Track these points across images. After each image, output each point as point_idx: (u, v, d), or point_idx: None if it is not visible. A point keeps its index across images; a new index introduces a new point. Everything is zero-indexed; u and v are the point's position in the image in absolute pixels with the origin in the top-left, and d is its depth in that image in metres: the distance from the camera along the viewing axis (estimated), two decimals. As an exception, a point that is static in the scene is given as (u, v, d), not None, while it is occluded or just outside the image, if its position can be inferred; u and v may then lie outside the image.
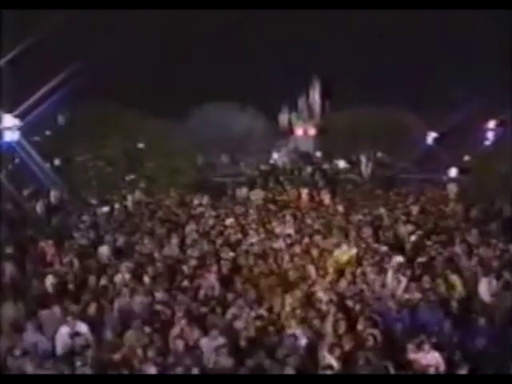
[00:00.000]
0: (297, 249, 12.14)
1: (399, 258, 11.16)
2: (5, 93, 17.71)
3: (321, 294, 9.68)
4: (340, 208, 17.33)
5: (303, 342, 8.04)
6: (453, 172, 25.09)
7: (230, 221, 15.33)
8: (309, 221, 15.16)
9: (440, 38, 34.66)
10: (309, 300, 9.43)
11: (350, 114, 27.90)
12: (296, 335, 8.06)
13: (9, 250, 11.84)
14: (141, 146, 22.12)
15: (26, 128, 19.14)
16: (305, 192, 20.80)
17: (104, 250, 12.39)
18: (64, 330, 8.19)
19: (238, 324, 8.53)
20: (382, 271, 10.54)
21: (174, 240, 12.96)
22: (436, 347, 7.76)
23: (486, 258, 11.21)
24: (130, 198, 19.07)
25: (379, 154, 30.53)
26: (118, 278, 10.36)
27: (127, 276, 10.45)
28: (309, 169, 31.30)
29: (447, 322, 8.57)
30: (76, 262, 11.38)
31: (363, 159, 29.86)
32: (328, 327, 8.36)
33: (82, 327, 8.24)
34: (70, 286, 10.21)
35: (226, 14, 28.04)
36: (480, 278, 10.20)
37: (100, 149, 20.37)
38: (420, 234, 13.31)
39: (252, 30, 35.60)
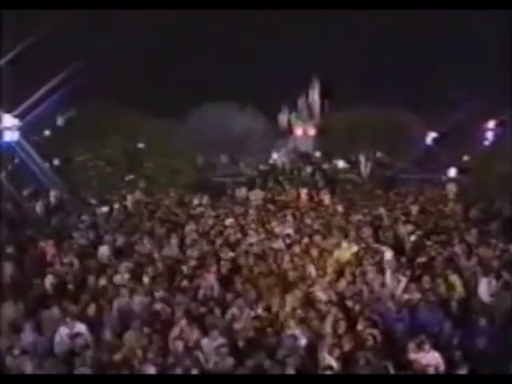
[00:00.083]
0: (296, 249, 12.14)
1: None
2: (5, 93, 17.71)
3: (320, 294, 9.69)
4: (339, 208, 17.33)
5: (303, 342, 8.03)
6: (452, 172, 25.10)
7: (229, 221, 15.32)
8: (308, 221, 15.16)
9: (440, 37, 34.67)
10: (308, 300, 9.42)
11: (350, 114, 27.93)
12: (296, 335, 8.06)
13: (9, 250, 11.84)
14: (141, 146, 22.13)
15: (25, 128, 19.14)
16: (304, 192, 20.81)
17: (104, 250, 12.38)
18: (63, 331, 8.17)
19: (238, 324, 8.52)
20: (381, 271, 10.53)
21: (174, 240, 12.95)
22: (436, 347, 7.76)
23: (485, 258, 11.21)
24: (129, 198, 19.08)
25: (379, 154, 30.56)
26: (117, 279, 10.36)
27: (127, 276, 10.44)
28: (308, 169, 31.35)
29: (447, 322, 8.57)
30: (76, 262, 11.37)
31: (362, 159, 29.88)
32: (328, 327, 8.36)
33: (81, 328, 8.21)
34: (70, 286, 10.20)
35: (225, 14, 28.04)
36: (480, 278, 10.20)
37: (100, 149, 20.37)
38: (420, 234, 13.31)
39: (252, 30, 35.61)
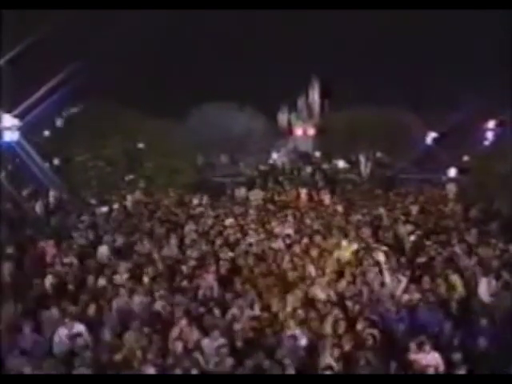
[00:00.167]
0: (296, 249, 12.14)
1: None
2: (5, 93, 17.69)
3: (320, 294, 9.68)
4: (339, 208, 17.34)
5: (303, 342, 8.03)
6: (452, 172, 25.11)
7: (229, 221, 15.32)
8: (308, 221, 15.16)
9: (440, 38, 34.67)
10: (308, 300, 9.42)
11: (350, 114, 27.94)
12: (296, 336, 8.05)
13: (9, 250, 11.83)
14: (140, 146, 22.12)
15: (25, 128, 19.12)
16: (304, 192, 20.82)
17: (103, 250, 12.38)
18: (62, 332, 8.16)
19: (238, 325, 8.50)
20: (381, 271, 10.51)
21: (173, 240, 12.95)
22: (436, 348, 7.76)
23: (485, 257, 11.21)
24: (129, 198, 19.08)
25: (378, 154, 30.57)
26: (117, 279, 10.35)
27: (126, 276, 10.42)
28: (308, 169, 31.38)
29: (447, 323, 8.57)
30: (75, 262, 11.36)
31: (362, 159, 29.89)
32: (328, 328, 8.35)
33: (80, 328, 8.19)
34: (69, 287, 10.18)
35: (225, 14, 28.02)
36: (479, 278, 10.19)
37: (100, 149, 20.36)
38: (419, 234, 13.32)
39: (252, 30, 35.60)
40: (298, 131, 46.03)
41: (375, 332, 8.11)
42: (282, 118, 48.26)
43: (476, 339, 8.02)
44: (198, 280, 10.28)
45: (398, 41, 34.94)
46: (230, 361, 7.35)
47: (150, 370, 7.15)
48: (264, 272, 10.73)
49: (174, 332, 8.17)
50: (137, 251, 12.25)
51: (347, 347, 7.75)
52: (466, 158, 26.31)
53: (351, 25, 35.24)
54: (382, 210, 16.34)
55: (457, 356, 7.49)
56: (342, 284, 10.12)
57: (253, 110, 34.16)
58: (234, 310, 8.94)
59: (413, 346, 7.76)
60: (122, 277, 10.39)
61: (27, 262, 11.56)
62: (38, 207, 17.51)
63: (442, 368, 7.48)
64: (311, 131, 43.79)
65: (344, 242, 12.27)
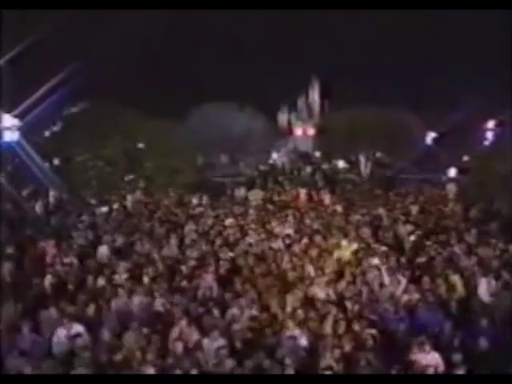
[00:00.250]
0: (296, 249, 12.14)
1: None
2: (5, 93, 17.69)
3: (320, 294, 9.68)
4: (339, 208, 17.34)
5: (303, 343, 8.02)
6: (452, 172, 25.11)
7: (229, 221, 15.33)
8: (308, 221, 15.17)
9: (440, 38, 34.67)
10: (308, 300, 9.41)
11: (350, 114, 27.92)
12: (295, 336, 8.04)
13: (9, 250, 11.83)
14: (140, 146, 22.10)
15: (25, 128, 19.12)
16: (304, 192, 20.83)
17: (103, 250, 12.38)
18: (61, 332, 8.14)
19: (237, 325, 8.50)
20: (380, 271, 10.51)
21: (173, 240, 12.94)
22: (436, 348, 7.76)
23: (485, 258, 11.22)
24: (129, 198, 19.08)
25: (378, 154, 30.56)
26: (116, 279, 10.34)
27: (125, 276, 10.41)
28: (308, 169, 31.37)
29: (447, 323, 8.57)
30: (75, 262, 11.36)
31: (362, 159, 29.88)
32: (327, 328, 8.35)
33: (79, 329, 8.17)
34: (69, 287, 10.17)
35: (225, 14, 28.02)
36: (479, 278, 10.19)
37: (100, 149, 20.33)
38: (419, 234, 13.32)
39: (252, 30, 35.59)
40: (298, 131, 46.03)
41: (375, 332, 8.12)
42: (282, 117, 48.27)
43: (476, 339, 8.01)
44: (198, 280, 10.28)
45: (398, 41, 34.94)
46: (230, 362, 7.34)
47: (150, 371, 7.14)
48: (264, 272, 10.73)
49: (174, 332, 8.16)
50: (136, 251, 12.25)
51: (347, 348, 7.75)
52: (466, 158, 26.29)
53: (351, 25, 35.25)
54: (381, 210, 16.34)
55: (457, 356, 7.49)
56: (342, 284, 10.12)
57: (253, 110, 34.14)
58: (234, 310, 8.93)
59: (413, 346, 7.76)
60: (121, 277, 10.38)
61: (27, 262, 11.56)
62: (38, 207, 17.52)
63: (441, 368, 7.47)
64: (311, 131, 43.78)
65: (344, 242, 12.28)
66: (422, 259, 11.45)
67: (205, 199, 19.36)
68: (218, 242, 12.93)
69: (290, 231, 13.97)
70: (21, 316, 8.70)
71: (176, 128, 25.01)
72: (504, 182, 17.28)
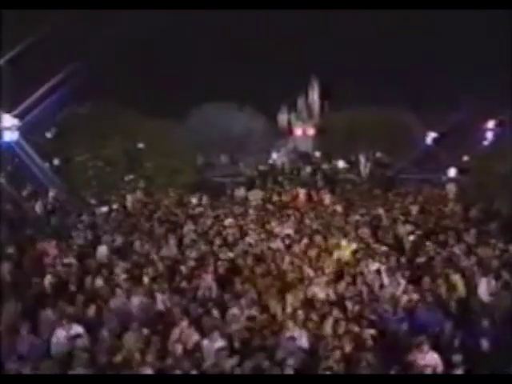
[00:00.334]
0: (296, 249, 12.13)
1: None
2: (5, 93, 17.68)
3: (320, 294, 9.67)
4: (339, 208, 17.33)
5: (302, 343, 8.01)
6: (452, 172, 25.10)
7: (228, 221, 15.32)
8: (308, 221, 15.16)
9: (440, 37, 34.69)
10: (308, 301, 9.41)
11: (349, 114, 27.95)
12: (295, 337, 8.03)
13: (9, 250, 11.83)
14: (140, 146, 22.11)
15: (25, 128, 19.11)
16: (304, 192, 20.82)
17: (103, 250, 12.37)
18: (60, 333, 8.11)
19: (237, 325, 8.49)
20: (380, 272, 10.51)
21: (173, 240, 12.93)
22: (436, 348, 7.75)
23: (485, 257, 11.21)
24: (129, 198, 19.07)
25: (378, 154, 30.57)
26: (116, 279, 10.32)
27: (125, 277, 10.39)
28: (308, 169, 31.38)
29: (447, 323, 8.56)
30: (74, 263, 11.35)
31: (362, 159, 29.89)
32: (327, 328, 8.34)
33: (79, 330, 8.15)
34: (68, 287, 10.16)
35: (225, 14, 28.02)
36: (479, 278, 10.19)
37: (100, 149, 20.33)
38: (419, 234, 13.32)
39: (252, 30, 35.60)
40: (298, 131, 46.09)
41: (375, 333, 8.11)
42: (282, 118, 48.32)
43: (476, 339, 8.01)
44: (197, 280, 10.27)
45: (398, 41, 34.96)
46: (230, 362, 7.33)
47: (150, 372, 7.13)
48: (263, 272, 10.71)
49: (175, 334, 8.14)
50: (136, 251, 12.24)
51: (347, 348, 7.74)
52: (465, 158, 26.29)
53: (351, 25, 35.28)
54: (381, 210, 16.34)
55: (457, 356, 7.48)
56: (342, 284, 10.10)
57: (253, 110, 34.17)
58: (234, 311, 8.93)
59: (413, 346, 7.76)
60: (120, 277, 10.36)
61: (27, 262, 11.55)
62: (38, 207, 17.50)
63: (440, 368, 7.46)
64: (311, 131, 43.83)
65: (344, 242, 12.28)
66: (421, 259, 11.44)
67: (204, 199, 19.35)
68: (218, 242, 12.91)
69: (289, 231, 13.96)
70: (20, 316, 8.68)
71: (176, 128, 25.03)
72: (504, 182, 17.28)
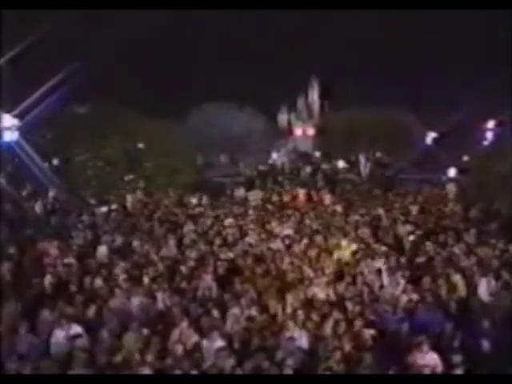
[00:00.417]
0: (296, 249, 12.13)
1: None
2: (5, 93, 17.67)
3: (320, 295, 9.67)
4: (339, 208, 17.33)
5: (303, 344, 8.01)
6: (452, 172, 25.10)
7: (228, 221, 15.32)
8: (308, 221, 15.16)
9: (440, 37, 34.70)
10: (308, 301, 9.40)
11: (349, 114, 27.97)
12: (295, 337, 8.02)
13: (9, 250, 11.82)
14: (140, 146, 22.11)
15: (25, 128, 19.10)
16: (303, 192, 20.82)
17: (103, 250, 12.37)
18: (59, 333, 8.10)
19: (237, 325, 8.48)
20: (381, 272, 10.51)
21: (173, 240, 12.93)
22: (436, 348, 7.75)
23: (485, 257, 11.22)
24: (129, 198, 19.07)
25: (378, 154, 30.58)
26: (116, 279, 10.32)
27: (124, 277, 10.39)
28: (308, 169, 31.38)
29: (447, 323, 8.56)
30: (74, 263, 11.34)
31: (362, 159, 29.90)
32: (328, 329, 8.33)
33: (78, 330, 8.13)
34: (68, 287, 10.15)
35: (225, 14, 28.02)
36: (479, 278, 10.19)
37: (99, 149, 20.34)
38: (419, 233, 13.32)
39: (252, 30, 35.60)
40: (298, 131, 46.10)
41: (375, 333, 8.11)
42: (282, 118, 48.34)
43: (476, 339, 8.01)
44: (197, 280, 10.26)
45: (398, 41, 34.96)
46: (229, 362, 7.33)
47: (149, 372, 7.12)
48: (263, 272, 10.72)
49: (175, 334, 8.14)
50: (136, 251, 12.23)
51: (347, 348, 7.73)
52: (465, 158, 26.30)
53: (351, 25, 35.28)
54: (381, 210, 16.34)
55: (457, 356, 7.48)
56: (342, 285, 10.10)
57: (253, 110, 34.18)
58: (234, 311, 8.92)
59: (412, 346, 7.75)
60: (120, 277, 10.35)
61: (27, 262, 11.54)
62: (38, 207, 17.50)
63: (440, 368, 7.46)
64: (311, 131, 43.85)
65: (344, 242, 12.28)
66: (421, 259, 11.44)
67: (204, 199, 19.36)
68: (218, 242, 12.92)
69: (289, 231, 13.96)
70: (20, 316, 8.67)
71: (176, 128, 25.05)
72: (504, 182, 17.28)
